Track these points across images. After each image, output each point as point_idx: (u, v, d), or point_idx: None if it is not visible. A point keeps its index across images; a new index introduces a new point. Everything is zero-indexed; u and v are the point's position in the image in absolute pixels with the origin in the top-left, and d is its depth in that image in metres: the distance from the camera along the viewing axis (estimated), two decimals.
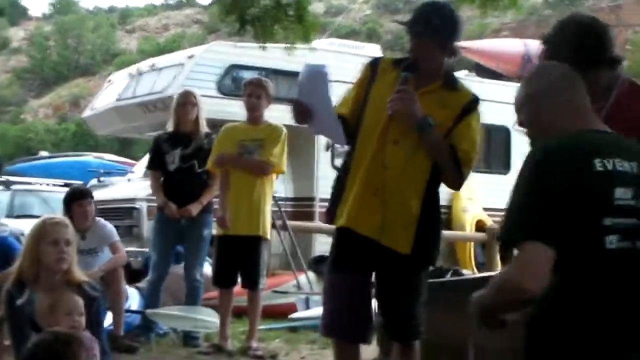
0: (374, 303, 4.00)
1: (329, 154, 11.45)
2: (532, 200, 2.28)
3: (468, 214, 12.44)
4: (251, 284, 6.52)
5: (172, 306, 6.83)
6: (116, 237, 6.65)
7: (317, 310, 6.43)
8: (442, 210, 4.24)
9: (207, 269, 7.07)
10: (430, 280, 4.17)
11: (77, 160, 19.78)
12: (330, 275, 4.01)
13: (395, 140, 3.84)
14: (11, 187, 12.97)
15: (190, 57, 11.74)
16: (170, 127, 6.93)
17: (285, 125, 6.37)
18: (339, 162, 4.31)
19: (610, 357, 2.28)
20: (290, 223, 9.59)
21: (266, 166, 6.49)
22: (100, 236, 6.54)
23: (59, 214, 6.06)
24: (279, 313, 8.02)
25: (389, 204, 3.83)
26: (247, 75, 10.20)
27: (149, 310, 6.64)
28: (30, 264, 4.04)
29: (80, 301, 3.82)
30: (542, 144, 2.40)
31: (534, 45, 13.04)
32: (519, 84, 2.63)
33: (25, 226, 6.31)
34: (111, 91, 12.99)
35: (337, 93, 4.06)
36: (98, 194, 8.71)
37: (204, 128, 6.86)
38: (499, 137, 12.87)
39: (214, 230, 6.76)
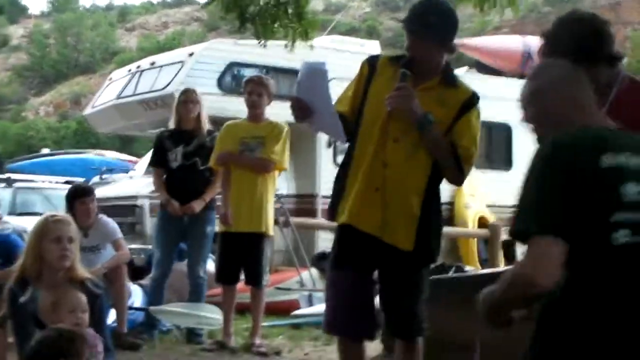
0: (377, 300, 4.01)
1: (330, 150, 11.47)
2: (543, 195, 2.27)
3: (470, 210, 12.44)
4: (254, 281, 6.53)
5: (176, 303, 6.84)
6: (119, 234, 6.65)
7: (320, 307, 6.44)
8: (445, 206, 4.25)
9: (210, 266, 7.08)
10: (433, 277, 4.17)
11: (79, 158, 19.83)
12: (332, 272, 4.02)
13: (395, 137, 3.85)
14: (13, 184, 13.00)
15: (191, 54, 11.73)
16: (172, 125, 6.94)
17: (286, 122, 6.38)
18: (341, 159, 4.31)
19: (621, 353, 2.27)
20: (292, 220, 9.60)
21: (267, 163, 6.50)
22: (103, 233, 6.54)
23: (61, 211, 6.07)
24: (282, 310, 8.02)
25: (390, 201, 3.84)
26: (248, 72, 10.22)
27: (152, 308, 6.65)
28: (33, 261, 4.04)
29: (83, 298, 3.82)
30: (550, 140, 2.38)
31: (534, 43, 13.03)
32: (519, 81, 2.64)
33: (28, 224, 6.30)
34: (112, 89, 12.99)
35: (339, 91, 4.08)
36: (100, 192, 8.73)
37: (206, 125, 6.88)
38: (500, 134, 12.86)
39: (217, 227, 6.78)
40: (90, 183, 10.81)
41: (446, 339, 4.44)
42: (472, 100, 3.93)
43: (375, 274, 3.98)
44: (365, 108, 3.94)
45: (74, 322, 3.68)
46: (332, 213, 4.02)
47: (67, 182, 12.32)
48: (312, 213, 11.30)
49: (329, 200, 4.11)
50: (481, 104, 3.98)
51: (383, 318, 4.07)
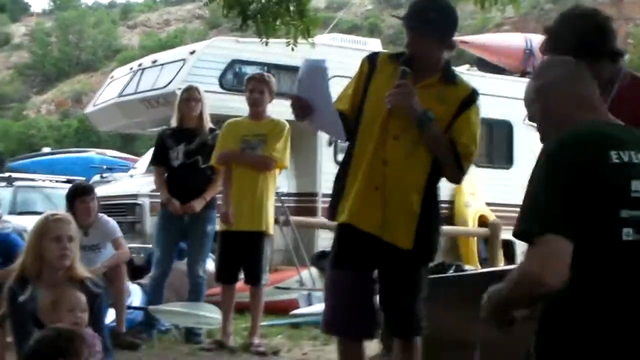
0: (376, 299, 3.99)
1: (331, 149, 11.46)
2: (550, 193, 2.25)
3: (470, 209, 12.42)
4: (254, 280, 6.52)
5: (175, 302, 6.83)
6: (119, 233, 6.64)
7: (320, 307, 6.42)
8: (445, 205, 4.24)
9: (210, 265, 7.07)
10: (433, 276, 4.16)
11: (80, 157, 19.83)
12: (331, 271, 4.00)
13: (395, 135, 3.84)
14: (14, 183, 13.00)
15: (192, 52, 11.73)
16: (174, 123, 6.92)
17: (287, 120, 6.37)
18: (341, 157, 4.29)
19: (627, 352, 2.25)
20: (293, 218, 9.59)
21: (269, 161, 6.48)
22: (103, 232, 6.53)
23: (61, 210, 6.06)
24: (281, 309, 8.01)
25: (389, 200, 3.83)
26: (249, 70, 10.21)
27: (151, 307, 6.64)
28: (32, 260, 4.04)
29: (82, 297, 3.81)
30: (556, 137, 2.37)
31: (536, 40, 13.04)
32: (521, 79, 2.62)
33: (28, 223, 6.30)
34: (113, 87, 12.98)
35: (340, 89, 4.06)
36: (101, 190, 8.72)
37: (208, 124, 6.86)
38: (501, 131, 12.84)
39: (217, 226, 6.76)
40: (91, 182, 10.78)
41: (445, 338, 4.43)
42: (471, 97, 3.92)
43: (375, 273, 3.97)
44: (365, 106, 3.93)
45: (73, 321, 3.67)
46: (332, 212, 4.00)
47: (67, 181, 12.32)
48: (312, 211, 11.30)
49: (329, 198, 4.10)
50: (482, 102, 3.97)
51: (382, 317, 4.06)
